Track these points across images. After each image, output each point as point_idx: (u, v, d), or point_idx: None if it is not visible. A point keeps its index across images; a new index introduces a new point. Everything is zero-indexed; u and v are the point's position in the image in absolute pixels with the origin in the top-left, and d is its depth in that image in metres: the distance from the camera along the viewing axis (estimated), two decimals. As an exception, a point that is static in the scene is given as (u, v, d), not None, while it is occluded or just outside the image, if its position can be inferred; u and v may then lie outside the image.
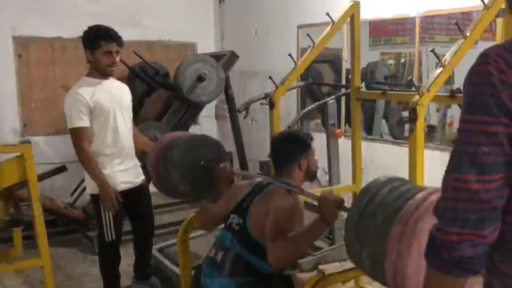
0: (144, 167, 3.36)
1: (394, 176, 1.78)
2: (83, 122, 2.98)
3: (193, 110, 4.97)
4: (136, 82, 5.31)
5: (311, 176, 2.43)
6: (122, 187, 3.13)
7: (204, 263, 2.38)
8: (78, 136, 2.98)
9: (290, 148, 2.39)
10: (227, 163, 2.65)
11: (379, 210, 1.65)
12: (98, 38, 2.96)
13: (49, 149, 5.61)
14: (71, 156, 5.36)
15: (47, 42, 5.59)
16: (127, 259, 3.61)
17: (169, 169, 2.66)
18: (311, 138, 2.46)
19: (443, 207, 1.12)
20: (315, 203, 2.04)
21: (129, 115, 3.23)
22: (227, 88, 5.26)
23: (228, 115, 5.59)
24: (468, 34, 2.33)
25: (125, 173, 3.17)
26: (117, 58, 3.04)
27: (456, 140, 1.13)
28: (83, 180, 4.77)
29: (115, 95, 3.11)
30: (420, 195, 1.56)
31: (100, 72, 3.04)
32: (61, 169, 4.81)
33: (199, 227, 2.77)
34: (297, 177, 2.37)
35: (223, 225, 2.40)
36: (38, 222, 2.97)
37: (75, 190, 4.87)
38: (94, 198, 3.12)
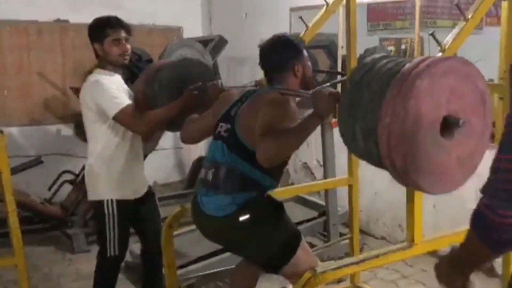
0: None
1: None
2: (125, 99, 2.81)
3: (178, 99, 4.95)
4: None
5: (307, 84, 2.41)
6: (132, 195, 2.99)
7: (197, 188, 2.41)
8: (128, 115, 2.78)
9: (282, 54, 2.37)
10: (218, 80, 2.66)
11: (375, 78, 1.65)
12: (104, 27, 2.88)
13: (24, 141, 5.57)
14: (47, 148, 5.40)
15: (21, 26, 5.53)
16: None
17: (157, 92, 2.63)
18: (303, 44, 2.46)
19: (494, 187, 1.16)
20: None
21: None
22: (215, 76, 5.25)
23: (216, 104, 5.57)
24: (470, 16, 2.34)
25: (135, 179, 3.02)
26: (128, 46, 2.93)
27: (509, 121, 1.18)
28: (60, 174, 4.78)
29: (126, 91, 2.98)
30: (419, 58, 1.57)
31: (112, 64, 2.92)
32: (37, 161, 4.79)
33: (183, 140, 2.71)
34: (292, 85, 2.36)
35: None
36: (11, 217, 2.96)
37: (53, 184, 4.85)
38: (97, 207, 2.91)
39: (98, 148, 2.89)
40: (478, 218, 1.20)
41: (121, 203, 2.89)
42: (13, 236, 2.99)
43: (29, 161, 4.81)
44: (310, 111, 2.10)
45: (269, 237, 2.24)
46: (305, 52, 2.42)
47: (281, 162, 2.19)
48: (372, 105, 1.60)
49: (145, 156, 5.33)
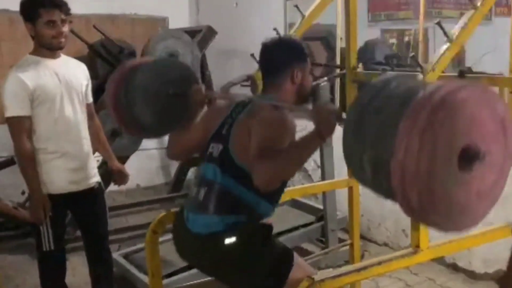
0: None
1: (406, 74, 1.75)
2: (23, 110, 2.87)
3: (164, 94, 4.94)
4: (97, 62, 5.27)
5: (303, 95, 2.37)
6: (65, 188, 3.04)
7: (185, 203, 2.41)
8: (17, 128, 2.88)
9: (284, 54, 2.35)
10: (201, 84, 2.59)
11: (385, 104, 1.62)
12: (36, 7, 2.85)
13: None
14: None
15: (-9, 15, 5.52)
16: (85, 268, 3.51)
17: (131, 97, 2.55)
18: (309, 50, 2.42)
19: None
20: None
21: (81, 101, 3.12)
22: (203, 69, 5.25)
23: (204, 100, 5.58)
24: (479, 4, 2.36)
25: (71, 171, 3.05)
26: (65, 29, 2.92)
27: None
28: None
29: (64, 77, 2.99)
30: (434, 85, 1.52)
31: (46, 47, 2.93)
32: (8, 163, 4.76)
33: (169, 157, 2.76)
34: (288, 92, 2.33)
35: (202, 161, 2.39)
36: (-19, 223, 2.95)
37: (27, 187, 4.83)
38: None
39: None
40: None
41: (50, 198, 2.96)
42: (-16, 244, 2.99)
43: (0, 162, 4.78)
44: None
45: (254, 267, 2.21)
46: (309, 61, 2.39)
47: (280, 184, 2.16)
48: (383, 134, 1.58)
49: (127, 157, 5.35)
